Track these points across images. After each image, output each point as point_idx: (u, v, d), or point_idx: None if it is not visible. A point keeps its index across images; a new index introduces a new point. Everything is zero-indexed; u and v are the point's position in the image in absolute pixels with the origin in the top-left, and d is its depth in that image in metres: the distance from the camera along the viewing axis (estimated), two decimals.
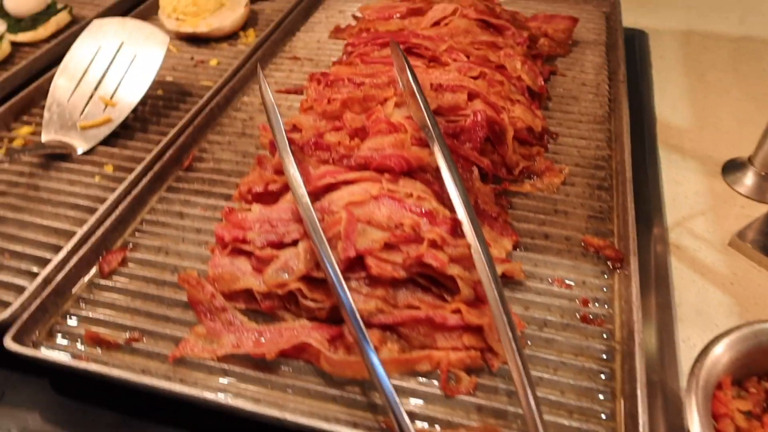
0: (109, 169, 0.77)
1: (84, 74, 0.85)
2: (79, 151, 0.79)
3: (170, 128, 0.83)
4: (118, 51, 0.86)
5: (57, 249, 0.66)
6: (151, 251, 0.67)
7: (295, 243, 0.59)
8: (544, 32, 0.97)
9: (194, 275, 0.60)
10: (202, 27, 1.01)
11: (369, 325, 0.55)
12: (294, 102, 0.89)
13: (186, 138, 0.80)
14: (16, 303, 0.58)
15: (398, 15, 0.96)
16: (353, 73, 0.81)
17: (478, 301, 0.57)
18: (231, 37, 1.04)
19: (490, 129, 0.72)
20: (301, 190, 0.59)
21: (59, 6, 1.12)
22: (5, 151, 0.81)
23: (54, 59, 1.04)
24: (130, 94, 0.83)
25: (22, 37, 1.06)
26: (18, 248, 0.67)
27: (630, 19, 1.10)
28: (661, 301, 0.65)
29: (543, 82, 0.85)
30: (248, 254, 0.61)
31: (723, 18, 1.22)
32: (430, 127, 0.65)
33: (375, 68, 0.81)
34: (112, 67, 0.85)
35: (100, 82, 0.84)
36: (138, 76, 0.83)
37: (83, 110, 0.83)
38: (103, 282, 0.64)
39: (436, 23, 0.92)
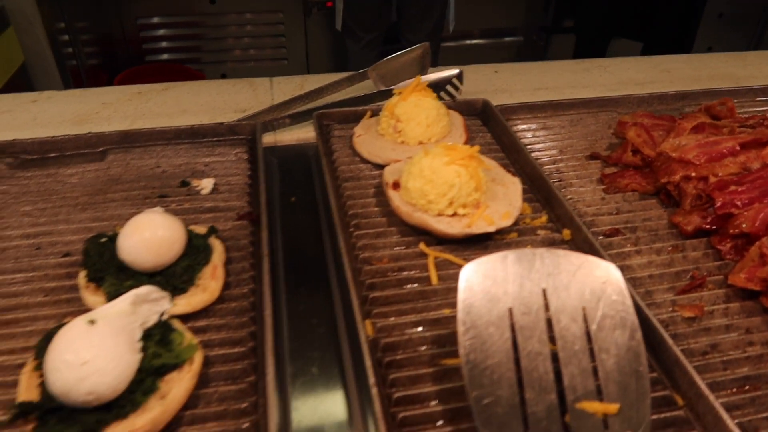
0: None
1: (521, 365, 0.48)
2: None
3: None
4: (545, 311, 0.50)
5: None
6: None
7: None
8: None
9: None
10: (481, 224, 0.67)
11: None
12: None
13: None
14: None
15: (730, 153, 0.76)
16: None
17: None
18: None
19: None
20: None
21: (199, 230, 0.66)
22: None
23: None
24: (626, 380, 0.48)
25: (181, 306, 0.59)
26: None
27: None
28: None
29: None
30: None
31: None
32: None
33: None
34: (561, 344, 0.49)
35: (559, 373, 0.48)
36: (617, 346, 0.49)
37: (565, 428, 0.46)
38: None
39: None
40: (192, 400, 0.52)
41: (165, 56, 3.01)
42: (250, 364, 0.56)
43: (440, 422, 0.52)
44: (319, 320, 0.65)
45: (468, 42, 3.25)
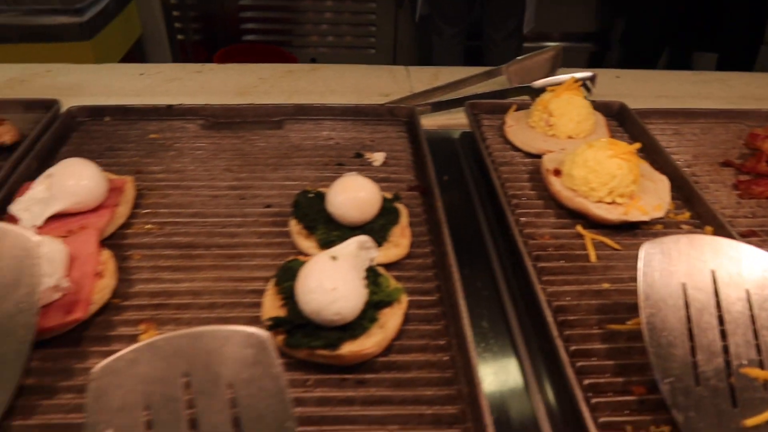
0: None
1: (693, 332, 0.56)
2: None
3: None
4: (715, 283, 0.58)
5: None
6: None
7: None
8: None
9: None
10: (635, 213, 0.75)
11: None
12: None
13: None
14: None
15: None
16: None
17: None
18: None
19: None
20: None
21: (387, 196, 0.76)
22: None
23: None
24: None
25: (379, 258, 0.69)
26: None
27: None
28: None
29: None
30: None
31: None
32: None
33: None
34: (728, 318, 0.57)
35: (726, 343, 0.56)
36: None
37: (733, 395, 0.54)
38: None
39: None
40: (399, 334, 0.62)
41: (252, 37, 3.13)
42: (440, 311, 0.66)
43: (608, 374, 0.60)
44: (482, 284, 0.75)
45: (546, 44, 3.27)
